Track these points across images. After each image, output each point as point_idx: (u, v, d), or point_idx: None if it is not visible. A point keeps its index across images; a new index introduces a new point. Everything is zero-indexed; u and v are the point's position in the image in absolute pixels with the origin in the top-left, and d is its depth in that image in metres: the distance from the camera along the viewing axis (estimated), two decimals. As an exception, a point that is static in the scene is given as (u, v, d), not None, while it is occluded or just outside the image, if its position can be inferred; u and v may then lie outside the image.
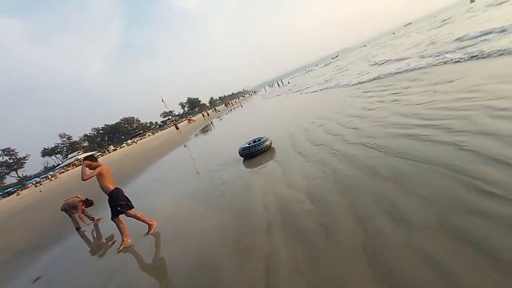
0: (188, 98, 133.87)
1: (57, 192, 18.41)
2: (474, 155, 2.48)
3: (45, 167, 76.66)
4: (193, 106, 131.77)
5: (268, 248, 2.39)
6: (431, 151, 2.88)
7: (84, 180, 3.77)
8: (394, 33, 53.74)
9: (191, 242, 3.20)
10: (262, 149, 5.62)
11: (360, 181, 2.89)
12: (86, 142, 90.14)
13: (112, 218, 3.99)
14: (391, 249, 1.81)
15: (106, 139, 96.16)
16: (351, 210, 2.44)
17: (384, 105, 5.59)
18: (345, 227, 2.25)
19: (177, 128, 31.90)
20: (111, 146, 76.62)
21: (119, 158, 29.38)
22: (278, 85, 54.74)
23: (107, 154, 61.39)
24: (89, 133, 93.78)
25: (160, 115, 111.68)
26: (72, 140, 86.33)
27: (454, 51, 8.18)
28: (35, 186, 45.48)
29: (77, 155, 69.64)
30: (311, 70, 58.56)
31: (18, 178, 69.40)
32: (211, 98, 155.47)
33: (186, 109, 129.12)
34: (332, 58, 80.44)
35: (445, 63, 7.31)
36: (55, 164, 75.97)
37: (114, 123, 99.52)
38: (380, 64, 13.13)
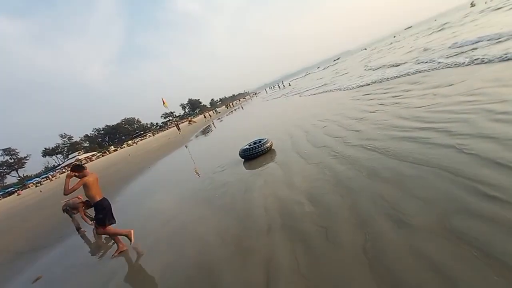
0: (189, 99, 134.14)
1: (57, 192, 18.41)
2: (475, 158, 2.48)
3: (45, 167, 76.74)
4: (194, 107, 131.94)
5: (268, 250, 2.39)
6: (432, 154, 2.88)
7: (66, 194, 3.63)
8: (394, 36, 53.90)
9: (190, 244, 3.20)
10: (262, 150, 5.62)
11: (361, 184, 2.89)
12: (87, 142, 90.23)
13: (101, 227, 3.84)
14: (392, 251, 1.81)
15: (106, 140, 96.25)
16: (352, 213, 2.44)
17: (385, 108, 5.60)
18: (346, 229, 2.24)
19: (179, 129, 31.95)
20: (112, 147, 76.70)
21: (121, 158, 29.41)
22: (279, 87, 54.84)
23: (107, 154, 61.46)
24: (90, 134, 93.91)
25: (161, 116, 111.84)
26: (73, 140, 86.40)
27: (452, 55, 8.20)
28: (36, 186, 45.54)
29: (78, 155, 69.78)
30: (312, 73, 58.60)
31: (19, 178, 69.44)
32: (212, 99, 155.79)
33: (187, 110, 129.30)
34: (334, 60, 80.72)
35: (446, 67, 7.31)
36: (56, 164, 76.06)
37: (115, 123, 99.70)
38: (378, 68, 13.13)
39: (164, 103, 24.68)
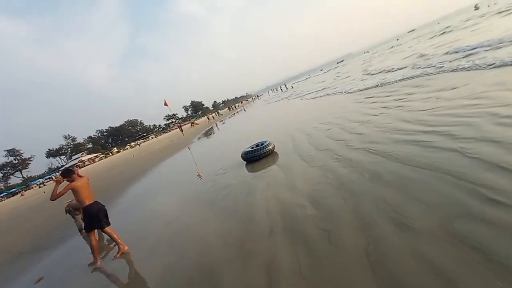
0: (192, 101, 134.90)
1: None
2: (478, 162, 2.47)
3: (49, 168, 77.39)
4: (197, 109, 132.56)
5: (270, 253, 2.39)
6: (435, 157, 2.87)
7: (53, 200, 3.63)
8: (397, 39, 53.89)
9: (192, 246, 3.20)
10: (265, 153, 5.63)
11: (363, 187, 2.88)
12: (90, 143, 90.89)
13: (87, 231, 3.86)
14: (394, 255, 1.80)
15: (109, 141, 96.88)
16: (354, 216, 2.43)
17: (388, 111, 5.59)
18: (348, 232, 2.24)
19: (182, 131, 32.08)
20: (115, 148, 77.14)
21: (124, 160, 29.56)
22: (281, 89, 54.94)
23: (110, 156, 61.79)
24: (93, 135, 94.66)
25: (164, 118, 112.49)
26: (76, 142, 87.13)
27: (455, 60, 8.18)
28: (39, 187, 45.90)
29: (81, 156, 70.23)
30: (314, 76, 58.64)
31: (23, 179, 70.05)
32: (215, 101, 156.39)
33: (189, 112, 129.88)
34: (338, 63, 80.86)
35: (449, 71, 7.29)
36: (59, 165, 76.55)
37: (118, 125, 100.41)
38: (379, 72, 13.11)
39: (167, 104, 24.82)
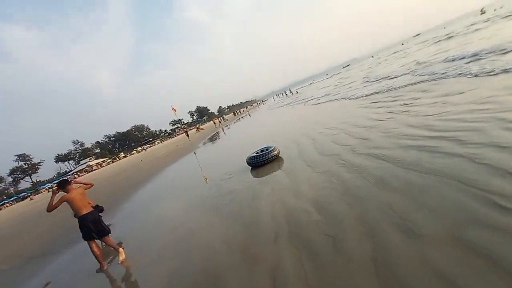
0: (197, 106, 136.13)
1: (68, 198, 18.75)
2: (486, 168, 2.43)
3: (58, 172, 78.62)
4: (202, 114, 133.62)
5: (275, 258, 2.38)
6: (442, 163, 2.84)
7: (49, 211, 3.82)
8: (402, 44, 53.65)
9: (197, 251, 3.21)
10: (270, 158, 5.64)
11: (369, 192, 2.87)
12: (98, 148, 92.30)
13: (85, 240, 3.94)
14: (401, 261, 1.79)
15: (117, 146, 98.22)
16: (360, 222, 2.41)
17: (394, 116, 5.55)
18: (354, 239, 2.22)
19: (187, 136, 32.35)
20: (122, 153, 78.14)
21: (130, 164, 29.88)
22: (286, 94, 55.07)
23: (117, 161, 62.55)
24: (101, 140, 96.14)
25: (170, 123, 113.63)
26: (84, 147, 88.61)
27: (460, 65, 8.11)
28: (48, 191, 46.61)
29: (89, 161, 71.30)
30: (318, 81, 58.66)
31: (32, 183, 71.39)
32: (220, 107, 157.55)
33: (195, 117, 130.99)
34: (343, 67, 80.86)
35: (455, 76, 7.22)
36: (68, 170, 77.81)
37: (125, 130, 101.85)
38: (384, 77, 13.06)
39: (174, 110, 25.14)
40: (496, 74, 5.62)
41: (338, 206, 2.85)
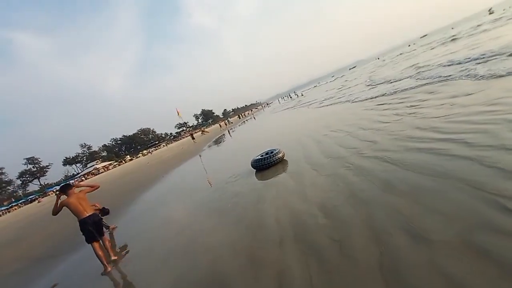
0: (202, 109, 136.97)
1: (75, 200, 18.99)
2: (496, 171, 2.37)
3: (65, 175, 79.78)
4: (207, 117, 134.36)
5: (280, 263, 2.36)
6: (451, 166, 2.78)
7: (54, 215, 4.09)
8: (409, 45, 53.24)
9: (202, 256, 3.20)
10: (274, 161, 5.61)
11: (376, 196, 2.82)
12: (105, 152, 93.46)
13: (87, 242, 4.13)
14: (409, 267, 1.74)
15: (123, 149, 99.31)
16: (366, 226, 2.37)
17: (400, 118, 5.48)
18: (360, 243, 2.18)
19: (193, 138, 32.55)
20: (128, 156, 78.94)
21: (137, 167, 30.15)
22: (291, 97, 55.06)
23: (123, 163, 63.20)
24: (108, 143, 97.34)
25: (175, 126, 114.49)
26: (92, 150, 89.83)
27: (468, 66, 7.99)
28: (55, 194, 47.30)
29: (96, 164, 72.17)
30: (323, 84, 58.52)
31: (40, 186, 72.57)
32: (225, 109, 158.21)
33: (200, 120, 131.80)
34: (350, 69, 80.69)
35: (462, 77, 7.11)
36: (75, 173, 78.94)
37: (132, 133, 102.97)
38: (390, 79, 12.95)
39: (178, 113, 25.36)
40: (505, 75, 5.51)
41: (344, 209, 2.81)
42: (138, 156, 71.28)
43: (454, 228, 1.92)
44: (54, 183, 72.91)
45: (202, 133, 45.12)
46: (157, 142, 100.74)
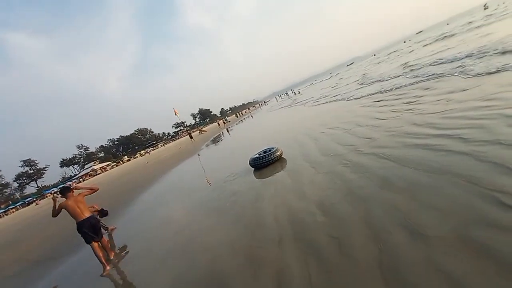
0: (200, 109, 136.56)
1: (73, 202, 18.89)
2: (492, 166, 2.39)
3: (63, 177, 79.30)
4: (204, 117, 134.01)
5: (279, 262, 2.36)
6: (447, 161, 2.80)
7: (54, 217, 4.25)
8: (404, 42, 53.37)
9: (201, 255, 3.20)
10: (272, 159, 5.62)
11: (373, 193, 2.83)
12: (102, 152, 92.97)
13: (87, 243, 4.25)
14: (407, 264, 1.75)
15: (120, 150, 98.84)
16: (365, 223, 2.38)
17: (397, 115, 5.50)
18: (359, 240, 2.19)
19: (191, 137, 32.46)
20: (125, 157, 78.60)
21: (134, 167, 30.04)
22: (288, 95, 55.12)
23: (121, 164, 62.94)
24: (105, 144, 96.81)
25: (172, 126, 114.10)
26: (89, 151, 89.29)
27: (463, 62, 8.03)
28: (52, 198, 47.01)
29: (93, 165, 71.82)
30: (320, 81, 58.59)
31: (38, 188, 72.08)
32: (222, 108, 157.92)
33: (197, 119, 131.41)
34: (347, 65, 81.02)
35: (459, 73, 7.14)
36: (72, 175, 78.49)
37: (129, 134, 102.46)
38: (386, 77, 12.98)
39: (175, 113, 25.23)
40: (499, 71, 5.53)
41: (343, 207, 2.82)
42: (135, 156, 71.00)
43: (450, 223, 1.93)
44: (51, 185, 72.46)
45: (199, 133, 45.00)
46: (154, 142, 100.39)
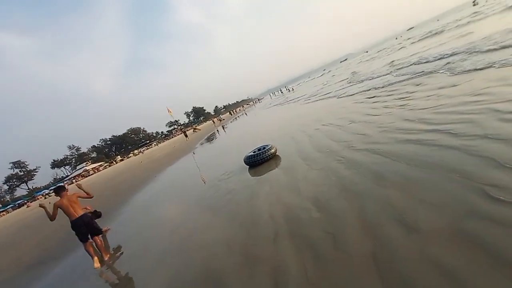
0: (193, 107, 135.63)
1: (66, 204, 18.58)
2: (482, 160, 2.44)
3: (54, 178, 77.87)
4: (198, 115, 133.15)
5: (275, 259, 2.37)
6: (439, 156, 2.84)
7: (52, 221, 4.26)
8: (396, 38, 53.91)
9: (196, 254, 3.18)
10: (267, 157, 5.62)
11: (367, 188, 2.86)
12: (94, 153, 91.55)
13: (81, 241, 4.39)
14: (402, 258, 1.78)
15: (113, 150, 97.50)
16: (359, 218, 2.41)
17: (390, 111, 5.56)
18: (354, 235, 2.21)
19: (186, 136, 32.26)
20: (118, 157, 77.61)
21: (128, 167, 29.70)
22: (282, 92, 55.17)
23: (114, 164, 62.13)
24: (97, 144, 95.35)
25: (166, 125, 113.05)
26: (80, 152, 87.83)
27: (453, 58, 8.15)
28: (45, 198, 46.15)
29: (86, 166, 70.71)
30: (313, 78, 58.81)
31: (28, 190, 70.62)
32: (216, 106, 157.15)
33: (191, 118, 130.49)
34: (341, 62, 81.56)
35: (450, 69, 7.25)
36: (64, 176, 77.13)
37: (122, 133, 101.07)
38: (378, 73, 13.11)
39: (169, 112, 24.98)
40: (487, 67, 5.63)
41: (337, 203, 2.84)
42: (129, 156, 70.18)
43: (444, 217, 1.96)
44: (42, 186, 71.16)
45: (193, 131, 44.72)
46: (148, 142, 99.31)
